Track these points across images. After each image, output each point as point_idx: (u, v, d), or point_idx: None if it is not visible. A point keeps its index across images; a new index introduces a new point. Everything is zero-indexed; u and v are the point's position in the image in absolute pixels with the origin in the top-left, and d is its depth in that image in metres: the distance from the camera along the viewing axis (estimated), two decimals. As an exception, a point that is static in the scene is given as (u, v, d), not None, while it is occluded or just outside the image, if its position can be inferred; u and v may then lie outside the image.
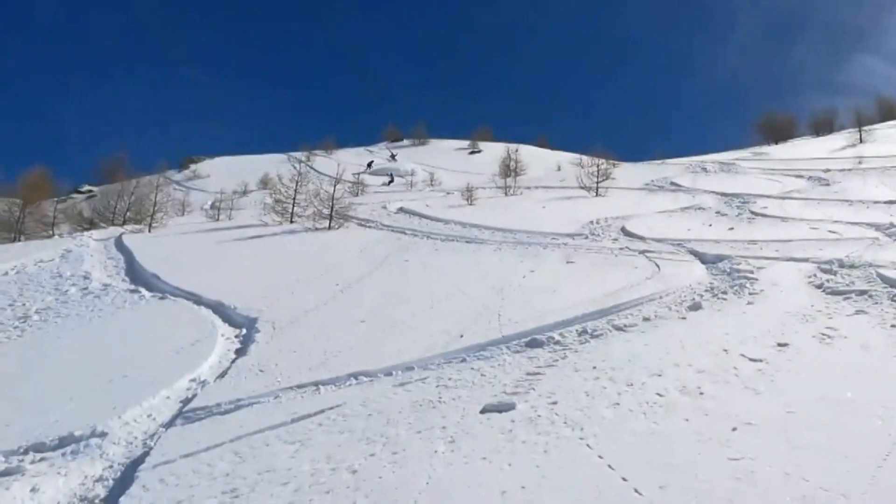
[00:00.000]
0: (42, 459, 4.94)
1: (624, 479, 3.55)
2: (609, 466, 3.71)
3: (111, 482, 4.64)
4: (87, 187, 47.13)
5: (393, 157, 50.22)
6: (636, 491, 3.42)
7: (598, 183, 22.30)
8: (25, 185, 27.68)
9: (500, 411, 4.77)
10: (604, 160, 24.60)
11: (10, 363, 7.61)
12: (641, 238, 12.30)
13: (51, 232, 25.16)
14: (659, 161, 33.02)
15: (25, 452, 5.05)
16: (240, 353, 7.43)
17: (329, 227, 17.25)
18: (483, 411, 4.84)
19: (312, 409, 5.39)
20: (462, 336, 7.00)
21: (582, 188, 22.32)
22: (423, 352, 6.62)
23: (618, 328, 6.77)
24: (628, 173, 27.01)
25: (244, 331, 8.30)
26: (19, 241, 22.71)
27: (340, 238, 15.52)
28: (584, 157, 29.85)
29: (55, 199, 30.45)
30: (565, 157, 48.13)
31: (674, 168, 27.85)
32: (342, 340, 7.33)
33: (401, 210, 20.16)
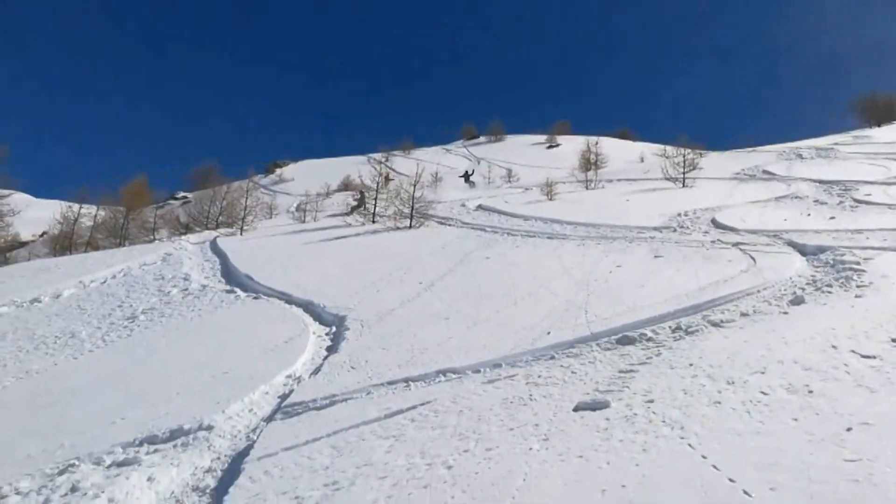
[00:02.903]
0: (156, 451, 5.24)
1: (731, 480, 3.39)
2: (714, 467, 3.56)
3: (220, 473, 4.88)
4: (181, 194, 50.00)
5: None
6: (745, 493, 3.26)
7: (684, 174, 21.61)
8: (127, 193, 29.60)
9: (593, 409, 4.68)
10: (690, 150, 23.80)
11: (122, 359, 8.15)
12: (734, 230, 11.79)
13: (152, 237, 26.86)
14: (749, 149, 31.50)
15: (140, 444, 5.39)
16: (331, 350, 7.65)
17: (410, 227, 17.51)
18: (576, 409, 4.76)
19: (404, 405, 5.48)
20: (549, 333, 6.92)
21: (668, 179, 21.69)
22: (509, 349, 6.59)
23: (714, 324, 6.50)
24: (716, 163, 25.93)
25: (334, 328, 8.55)
26: (124, 245, 24.36)
27: (421, 237, 15.70)
28: (669, 148, 28.87)
29: (154, 205, 32.43)
30: (649, 149, 47.05)
31: (765, 156, 26.51)
32: (428, 337, 7.41)
33: (479, 207, 20.18)
